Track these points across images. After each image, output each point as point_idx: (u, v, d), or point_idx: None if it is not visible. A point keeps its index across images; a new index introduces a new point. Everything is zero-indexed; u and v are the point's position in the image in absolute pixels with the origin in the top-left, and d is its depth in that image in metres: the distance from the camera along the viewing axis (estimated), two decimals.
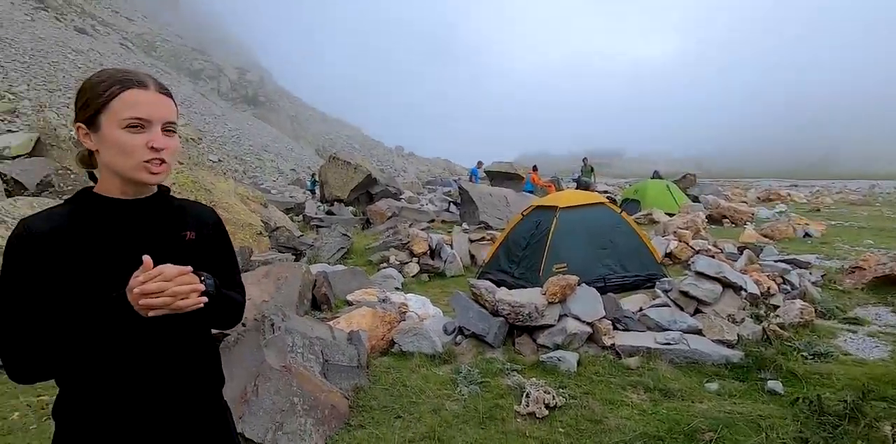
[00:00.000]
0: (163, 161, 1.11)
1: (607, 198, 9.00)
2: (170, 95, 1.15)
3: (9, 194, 5.99)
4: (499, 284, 5.11)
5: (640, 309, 4.63)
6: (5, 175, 6.19)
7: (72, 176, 6.51)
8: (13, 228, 1.10)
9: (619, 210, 6.68)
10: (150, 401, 1.15)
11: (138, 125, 1.07)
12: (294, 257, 6.77)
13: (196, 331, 1.24)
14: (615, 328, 4.22)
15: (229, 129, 39.24)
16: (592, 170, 17.93)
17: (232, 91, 60.91)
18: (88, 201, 1.13)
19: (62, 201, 1.19)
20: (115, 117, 1.07)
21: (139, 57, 45.35)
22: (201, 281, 1.07)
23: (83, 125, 1.11)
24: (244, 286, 1.38)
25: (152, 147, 1.08)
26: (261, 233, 6.83)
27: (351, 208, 14.78)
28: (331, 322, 4.18)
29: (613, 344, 4.00)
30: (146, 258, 1.00)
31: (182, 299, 1.01)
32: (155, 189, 1.21)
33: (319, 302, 5.15)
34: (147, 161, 1.08)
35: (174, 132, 1.14)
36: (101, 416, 1.12)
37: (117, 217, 1.13)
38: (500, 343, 4.08)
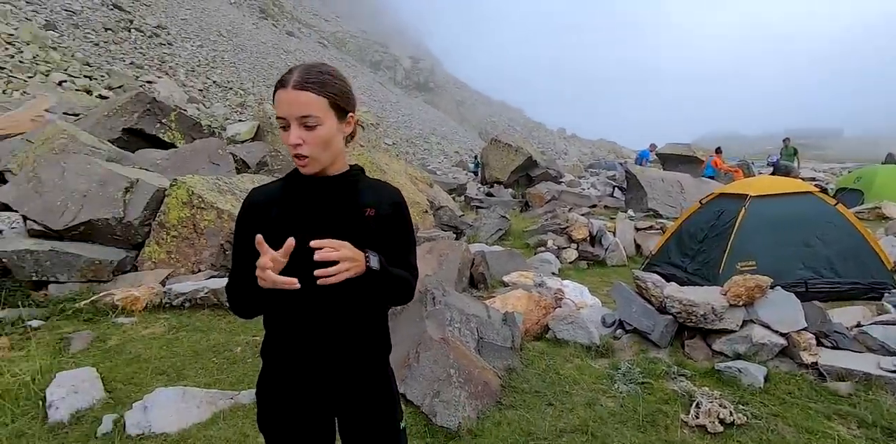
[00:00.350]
0: (304, 156, 1.19)
1: (816, 187, 7.43)
2: (310, 88, 1.17)
3: (238, 171, 7.40)
4: (668, 278, 4.63)
5: (858, 324, 3.75)
6: (236, 156, 7.69)
7: (280, 157, 7.78)
8: (243, 197, 1.33)
9: (832, 202, 5.46)
10: (325, 357, 1.29)
11: (284, 125, 1.19)
12: (455, 235, 7.08)
13: (365, 303, 1.32)
14: (819, 344, 3.49)
15: (402, 114, 42.56)
16: (796, 152, 14.91)
17: (406, 79, 65.65)
18: (293, 178, 1.31)
19: (281, 177, 1.38)
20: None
21: (332, 53, 51.64)
22: (366, 258, 1.15)
23: None
24: (418, 268, 1.41)
25: (289, 144, 1.18)
26: (426, 211, 7.29)
27: (510, 191, 14.88)
28: (486, 301, 4.27)
29: (816, 363, 3.32)
30: (289, 241, 1.11)
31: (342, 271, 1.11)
32: (346, 168, 1.32)
33: (476, 281, 5.31)
34: (295, 156, 1.20)
35: (315, 125, 1.17)
36: (287, 362, 1.31)
37: (309, 192, 1.28)
38: (666, 343, 3.70)
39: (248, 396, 3.02)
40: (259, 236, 1.11)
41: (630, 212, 10.56)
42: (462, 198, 13.88)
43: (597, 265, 7.19)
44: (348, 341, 1.31)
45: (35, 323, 3.78)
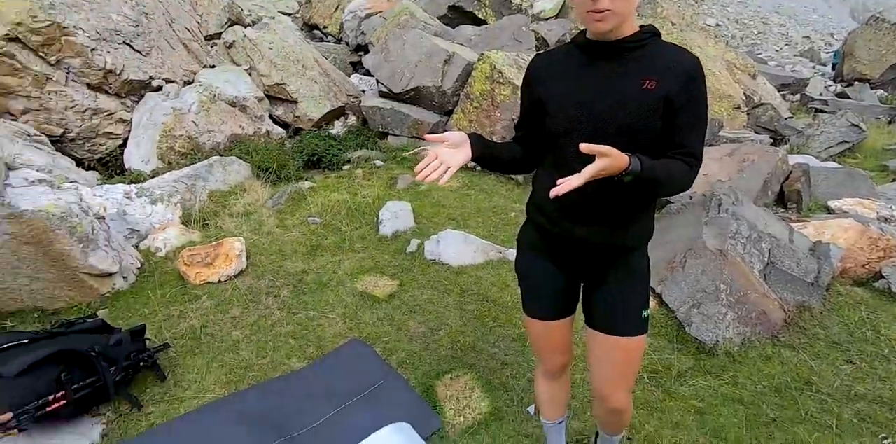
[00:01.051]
0: (604, 9, 1.09)
1: None
2: None
3: (537, 49, 7.39)
4: None
5: None
6: (537, 33, 7.62)
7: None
8: None
9: None
10: (578, 227, 1.31)
11: None
12: (771, 141, 5.73)
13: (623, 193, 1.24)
14: None
15: None
16: None
17: None
18: (574, 43, 1.26)
19: (566, 43, 1.33)
20: None
21: None
22: (627, 167, 1.06)
23: None
24: (700, 158, 1.21)
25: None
26: (738, 107, 5.99)
27: (880, 92, 10.80)
28: (795, 225, 3.50)
29: None
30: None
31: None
32: (634, 30, 1.17)
33: (787, 199, 4.32)
34: (588, 11, 1.12)
35: None
36: (543, 223, 1.39)
37: (586, 58, 1.22)
38: None
39: (513, 254, 3.42)
40: (427, 136, 1.27)
41: None
42: (797, 97, 10.84)
43: None
44: (603, 217, 1.29)
45: (378, 163, 4.96)
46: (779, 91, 10.49)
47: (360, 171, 4.70)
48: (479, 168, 4.91)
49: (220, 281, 3.04)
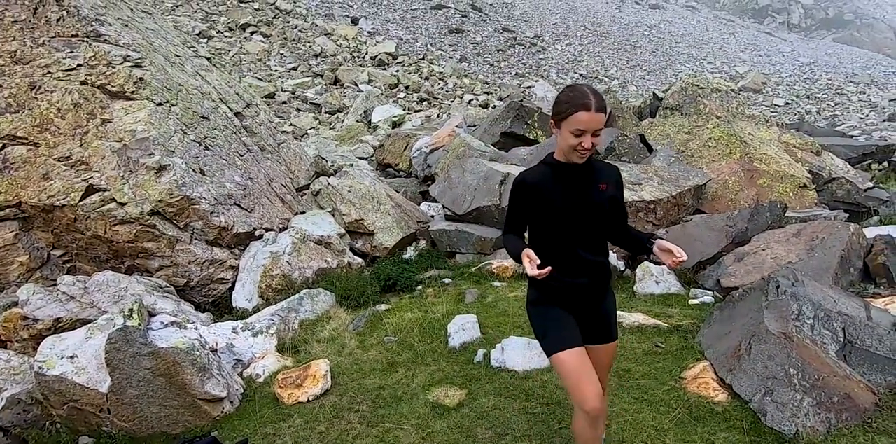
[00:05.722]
0: (586, 149, 1.79)
1: None
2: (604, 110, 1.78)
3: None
4: None
5: None
6: None
7: (627, 141, 7.88)
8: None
9: None
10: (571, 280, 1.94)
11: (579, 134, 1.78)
12: (847, 215, 5.43)
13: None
14: None
15: (799, 65, 34.10)
16: None
17: (805, 19, 51.73)
18: (552, 163, 1.88)
19: (541, 163, 1.95)
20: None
21: (703, 14, 46.21)
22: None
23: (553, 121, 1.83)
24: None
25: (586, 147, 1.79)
26: (804, 185, 5.86)
27: None
28: (881, 301, 3.27)
29: None
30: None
31: None
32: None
33: (874, 273, 4.02)
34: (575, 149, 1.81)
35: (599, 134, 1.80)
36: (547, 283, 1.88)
37: (563, 174, 1.85)
38: None
39: None
40: (529, 250, 1.77)
41: None
42: (883, 166, 10.17)
43: None
44: (592, 270, 1.98)
45: (447, 280, 5.40)
46: (861, 161, 9.98)
47: (430, 290, 5.13)
48: None
49: (308, 401, 3.40)
